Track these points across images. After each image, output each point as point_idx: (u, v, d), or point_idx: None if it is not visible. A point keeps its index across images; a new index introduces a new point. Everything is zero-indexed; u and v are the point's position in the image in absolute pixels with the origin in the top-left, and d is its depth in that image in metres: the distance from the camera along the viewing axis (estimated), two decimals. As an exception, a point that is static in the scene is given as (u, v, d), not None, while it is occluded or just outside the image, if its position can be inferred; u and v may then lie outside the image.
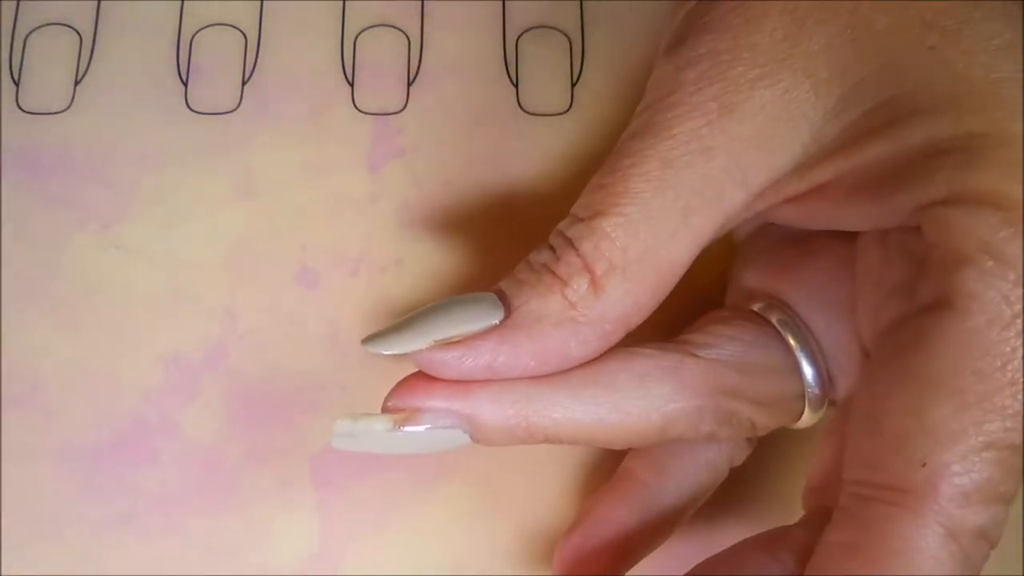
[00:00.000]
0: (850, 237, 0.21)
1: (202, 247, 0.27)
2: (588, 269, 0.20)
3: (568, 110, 0.28)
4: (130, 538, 0.25)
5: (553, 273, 0.20)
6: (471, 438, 0.20)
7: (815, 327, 0.22)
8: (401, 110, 0.28)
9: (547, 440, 0.20)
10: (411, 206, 0.27)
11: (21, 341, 0.26)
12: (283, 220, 0.27)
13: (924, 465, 0.17)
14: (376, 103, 0.28)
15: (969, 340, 0.17)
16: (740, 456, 0.24)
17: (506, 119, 0.28)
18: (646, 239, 0.20)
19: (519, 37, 0.29)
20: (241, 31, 0.29)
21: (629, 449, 0.24)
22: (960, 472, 0.17)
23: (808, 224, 0.22)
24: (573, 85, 0.29)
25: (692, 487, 0.23)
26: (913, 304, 0.18)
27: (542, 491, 0.25)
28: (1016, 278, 0.17)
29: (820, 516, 0.21)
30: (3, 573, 0.25)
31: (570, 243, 0.20)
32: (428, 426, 0.20)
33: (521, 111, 0.28)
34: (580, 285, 0.20)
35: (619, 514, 0.23)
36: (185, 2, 0.29)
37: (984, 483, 0.17)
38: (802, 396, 0.22)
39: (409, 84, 0.29)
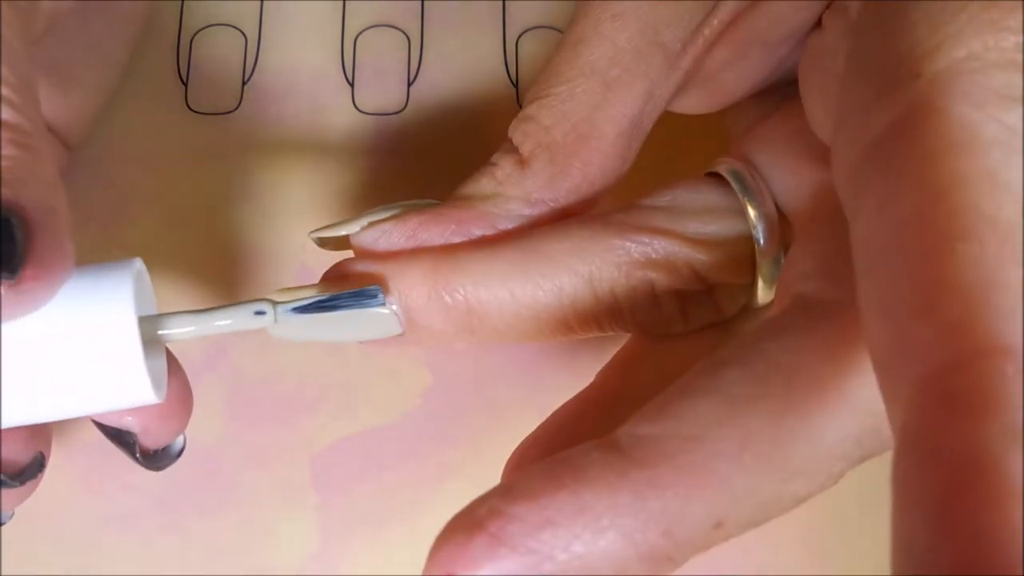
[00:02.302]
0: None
1: (202, 247, 0.27)
2: (516, 151, 0.21)
3: (568, 110, 0.28)
4: (130, 538, 0.25)
5: (488, 163, 0.21)
6: (396, 315, 0.20)
7: (764, 167, 0.21)
8: (401, 110, 0.28)
9: (471, 313, 0.20)
10: (411, 206, 0.27)
11: (21, 341, 0.26)
12: (283, 220, 0.27)
13: (919, 76, 0.14)
14: (376, 103, 0.28)
15: None
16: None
17: (506, 119, 0.28)
18: (569, 116, 0.20)
19: (519, 37, 0.29)
20: (241, 31, 0.29)
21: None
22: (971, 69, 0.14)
23: (749, 74, 0.22)
24: (573, 85, 0.29)
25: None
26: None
27: (542, 491, 0.25)
28: None
29: (787, 304, 0.18)
30: (3, 573, 0.25)
31: (508, 140, 0.21)
32: (352, 293, 0.20)
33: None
34: (507, 164, 0.21)
35: (578, 417, 0.21)
36: (185, 2, 0.29)
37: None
38: (749, 238, 0.21)
39: (409, 84, 0.29)
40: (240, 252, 0.27)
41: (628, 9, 0.20)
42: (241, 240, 0.27)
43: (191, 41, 0.29)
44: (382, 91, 0.28)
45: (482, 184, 0.21)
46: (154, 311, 0.20)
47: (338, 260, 0.21)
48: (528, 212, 0.20)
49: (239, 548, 0.25)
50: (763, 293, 0.21)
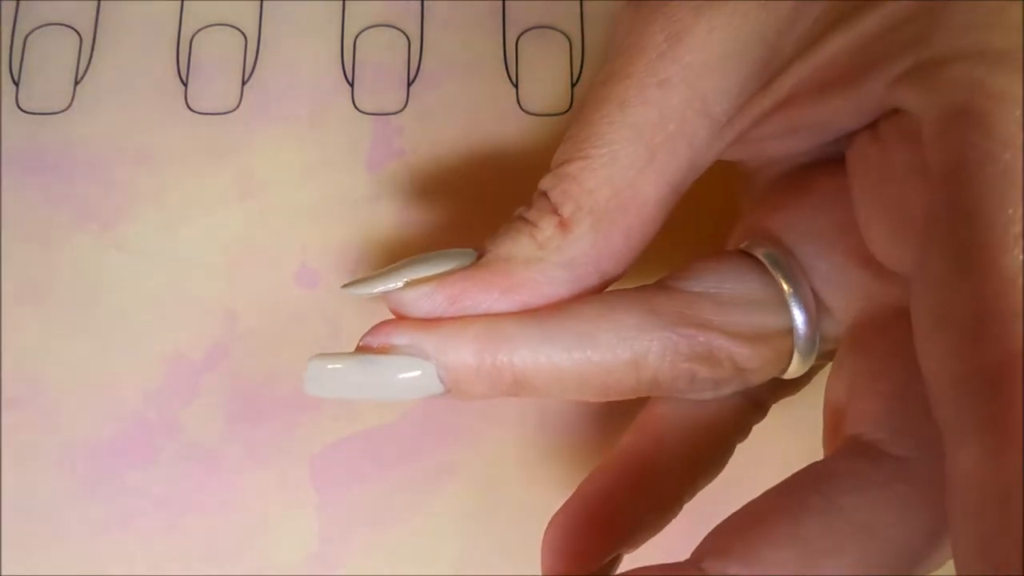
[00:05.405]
0: (842, 173, 0.21)
1: (202, 247, 0.27)
2: (556, 212, 0.20)
3: (568, 110, 0.28)
4: (130, 538, 0.25)
5: (524, 219, 0.20)
6: (441, 382, 0.20)
7: (805, 257, 0.21)
8: (401, 110, 0.28)
9: (517, 384, 0.20)
10: (411, 206, 0.27)
11: (21, 341, 0.26)
12: (283, 220, 0.27)
13: None
14: (376, 103, 0.28)
15: (1011, 174, 0.15)
16: (747, 425, 0.23)
17: (506, 119, 0.28)
18: (612, 180, 0.20)
19: (519, 37, 0.29)
20: (241, 31, 0.29)
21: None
22: None
23: (792, 147, 0.21)
24: (573, 85, 0.29)
25: (695, 459, 0.22)
26: (929, 178, 0.17)
27: (542, 491, 0.25)
28: (1018, 105, 0.16)
29: (855, 447, 0.19)
30: (3, 573, 0.25)
31: (542, 193, 0.20)
32: (395, 358, 0.20)
33: (521, 111, 0.28)
34: (548, 226, 0.20)
35: (611, 488, 0.22)
36: (185, 2, 0.29)
37: None
38: (789, 331, 0.21)
39: (409, 84, 0.29)
40: (240, 252, 0.27)
41: (675, 76, 0.19)
42: (241, 240, 0.27)
43: (191, 41, 0.29)
44: (382, 91, 0.28)
45: (522, 245, 0.20)
46: None
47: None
48: (570, 277, 0.20)
49: (239, 548, 0.25)
50: (793, 370, 0.21)
